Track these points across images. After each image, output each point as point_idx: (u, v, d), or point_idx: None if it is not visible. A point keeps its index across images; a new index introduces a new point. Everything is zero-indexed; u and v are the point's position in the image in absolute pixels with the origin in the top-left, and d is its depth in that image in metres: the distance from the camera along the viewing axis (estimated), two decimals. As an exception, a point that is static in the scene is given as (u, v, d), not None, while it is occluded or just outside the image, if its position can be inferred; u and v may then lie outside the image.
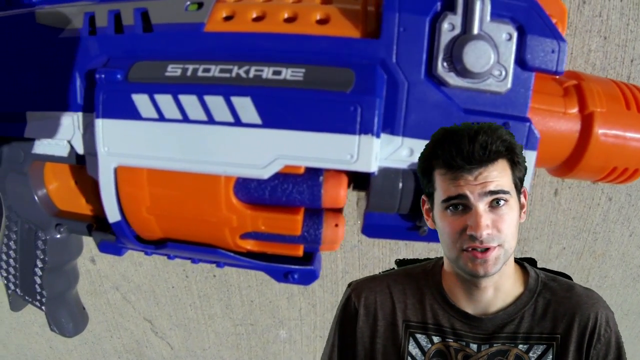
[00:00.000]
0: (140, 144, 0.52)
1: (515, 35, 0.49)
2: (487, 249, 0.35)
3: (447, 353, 0.38)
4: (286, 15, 0.52)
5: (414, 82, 0.49)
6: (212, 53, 0.51)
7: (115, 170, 0.54)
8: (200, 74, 0.50)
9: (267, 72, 0.49)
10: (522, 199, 0.38)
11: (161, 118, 0.51)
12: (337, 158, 0.48)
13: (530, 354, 0.36)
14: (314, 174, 0.52)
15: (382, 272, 0.45)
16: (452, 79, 0.48)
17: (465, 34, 0.48)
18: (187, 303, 0.81)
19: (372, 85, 0.48)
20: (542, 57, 0.50)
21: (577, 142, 0.53)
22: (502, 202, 0.35)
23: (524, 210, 0.37)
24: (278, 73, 0.49)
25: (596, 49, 0.61)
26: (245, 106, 0.49)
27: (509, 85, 0.49)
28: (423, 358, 0.38)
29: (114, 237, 0.65)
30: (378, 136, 0.48)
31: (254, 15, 0.53)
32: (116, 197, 0.55)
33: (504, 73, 0.50)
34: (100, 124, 0.54)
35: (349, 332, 0.40)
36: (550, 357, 0.36)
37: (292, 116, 0.48)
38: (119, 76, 0.53)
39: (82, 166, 0.65)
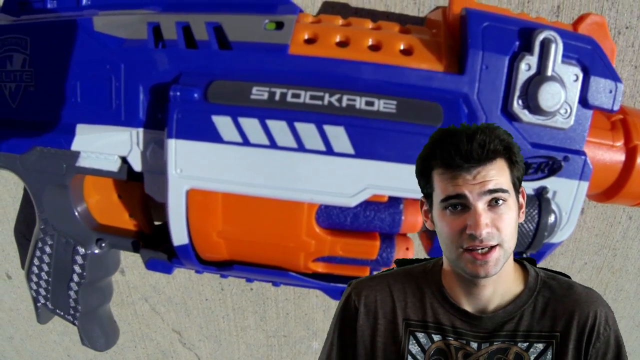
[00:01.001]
0: (218, 167, 0.48)
1: (581, 76, 0.49)
2: (487, 251, 0.33)
3: (447, 351, 0.36)
4: (370, 43, 0.49)
5: (491, 117, 0.48)
6: (298, 77, 0.47)
7: (187, 193, 0.48)
8: (289, 99, 0.46)
9: (360, 102, 0.46)
10: (521, 199, 0.36)
11: (245, 142, 0.47)
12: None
13: (530, 352, 0.35)
14: (395, 201, 0.50)
15: (382, 271, 0.44)
16: (525, 116, 0.49)
17: (540, 75, 0.49)
18: (219, 315, 0.76)
19: (459, 120, 0.46)
20: (601, 97, 0.51)
21: (621, 172, 0.55)
22: (500, 202, 0.33)
23: (522, 211, 0.36)
24: (371, 104, 0.46)
25: (627, 78, 0.63)
26: (338, 135, 0.46)
27: (572, 122, 0.50)
28: (423, 356, 0.36)
29: (165, 256, 0.59)
30: None
31: (338, 40, 0.49)
32: (185, 220, 0.49)
33: (569, 111, 0.50)
34: (174, 145, 0.48)
35: (348, 331, 0.38)
36: (550, 355, 0.35)
37: (384, 147, 0.47)
38: (196, 95, 0.47)
39: (129, 181, 0.58)
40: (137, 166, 0.54)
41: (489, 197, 0.33)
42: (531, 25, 0.48)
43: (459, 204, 0.33)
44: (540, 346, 0.35)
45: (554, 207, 0.50)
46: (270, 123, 0.46)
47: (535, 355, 0.35)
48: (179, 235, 0.51)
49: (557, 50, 0.48)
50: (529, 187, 0.50)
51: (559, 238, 0.51)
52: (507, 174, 0.34)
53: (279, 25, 0.49)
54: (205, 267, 0.55)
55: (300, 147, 0.46)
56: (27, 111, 0.58)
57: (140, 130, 0.52)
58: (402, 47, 0.49)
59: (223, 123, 0.47)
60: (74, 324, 0.69)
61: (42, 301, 0.70)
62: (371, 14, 0.60)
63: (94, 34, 0.52)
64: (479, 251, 0.33)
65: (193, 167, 0.48)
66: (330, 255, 0.50)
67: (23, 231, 0.86)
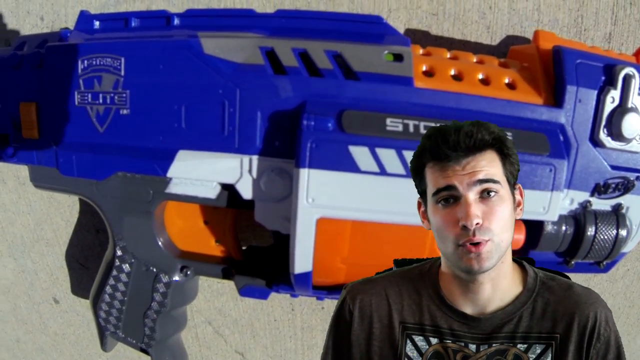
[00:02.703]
0: (353, 196, 0.45)
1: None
2: (479, 243, 0.30)
3: (444, 354, 0.33)
4: (480, 77, 0.47)
5: (581, 145, 0.49)
6: (424, 110, 0.46)
7: (317, 222, 0.43)
8: (422, 131, 0.43)
9: None
10: (517, 195, 0.33)
11: (382, 172, 0.44)
12: (533, 210, 0.49)
13: (529, 354, 0.32)
14: (504, 222, 0.48)
15: (379, 273, 0.41)
16: (608, 142, 0.52)
17: (622, 106, 0.51)
18: (287, 335, 0.70)
19: (561, 148, 0.47)
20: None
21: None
22: (492, 193, 0.30)
23: (520, 208, 0.33)
24: None
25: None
26: None
27: (645, 146, 0.52)
28: (420, 359, 0.33)
29: (264, 282, 0.52)
30: (562, 191, 0.46)
31: (453, 73, 0.47)
32: (312, 248, 0.43)
33: (642, 137, 0.52)
34: (306, 174, 0.43)
35: (344, 335, 0.35)
36: (550, 356, 0.32)
37: None
38: (330, 125, 0.42)
39: (217, 207, 0.51)
40: (246, 194, 0.48)
41: (479, 188, 0.30)
42: (611, 61, 0.51)
43: (450, 197, 0.30)
44: (539, 348, 0.32)
45: (627, 221, 0.51)
46: (407, 154, 0.44)
47: (534, 356, 0.32)
48: (302, 263, 0.46)
49: (636, 84, 0.50)
50: (607, 204, 0.51)
51: (629, 248, 0.53)
52: (499, 166, 0.31)
53: (398, 57, 0.46)
54: (317, 292, 0.49)
55: (431, 176, 0.43)
56: (116, 135, 0.50)
57: (255, 157, 0.47)
58: (507, 81, 0.49)
59: (360, 153, 0.44)
60: (147, 352, 0.60)
61: (112, 329, 0.61)
62: (449, 42, 0.60)
63: (205, 56, 0.46)
64: (473, 245, 0.30)
65: (326, 197, 0.44)
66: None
67: (76, 255, 0.74)
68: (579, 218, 0.51)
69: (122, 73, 0.49)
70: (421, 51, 0.51)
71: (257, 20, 0.50)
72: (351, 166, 0.43)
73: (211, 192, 0.51)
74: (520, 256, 0.39)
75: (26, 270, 0.81)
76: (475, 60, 0.52)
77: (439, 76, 0.48)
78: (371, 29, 0.50)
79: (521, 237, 0.51)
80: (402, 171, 0.44)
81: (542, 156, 0.47)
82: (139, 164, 0.51)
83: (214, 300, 0.73)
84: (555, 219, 0.49)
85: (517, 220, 0.50)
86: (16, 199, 0.77)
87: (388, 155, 0.43)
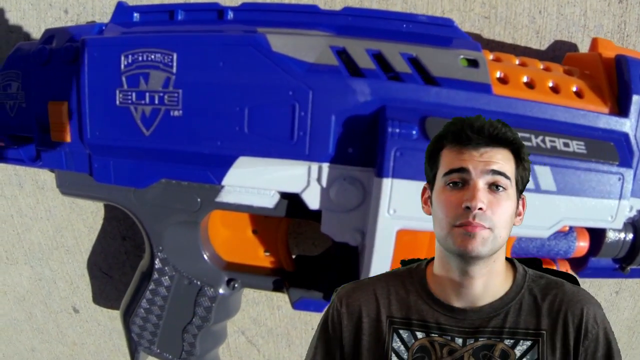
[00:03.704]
0: None
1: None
2: (477, 226, 0.28)
3: (431, 348, 0.31)
4: (550, 84, 0.43)
5: None
6: (502, 117, 0.39)
7: (396, 234, 0.37)
8: None
9: (559, 143, 0.41)
10: (520, 206, 0.31)
11: None
12: (602, 218, 0.44)
13: (516, 349, 0.30)
14: (571, 230, 0.44)
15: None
16: None
17: None
18: None
19: (628, 158, 0.43)
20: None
21: None
22: (501, 189, 0.29)
23: (520, 217, 0.31)
24: (567, 145, 0.42)
25: None
26: (545, 174, 0.40)
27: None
28: (407, 354, 0.31)
29: (321, 294, 0.46)
30: (628, 199, 0.43)
31: (525, 81, 0.42)
32: (391, 260, 0.38)
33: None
34: (389, 184, 0.37)
35: (332, 335, 0.33)
36: (537, 352, 0.30)
37: (578, 184, 0.42)
38: (414, 132, 0.36)
39: (268, 216, 0.44)
40: (313, 204, 0.41)
41: (490, 178, 0.28)
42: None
43: (460, 180, 0.29)
44: (526, 343, 0.30)
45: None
46: None
47: (521, 352, 0.30)
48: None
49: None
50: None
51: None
52: (512, 167, 0.30)
53: (473, 63, 0.41)
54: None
55: (513, 186, 0.39)
56: (165, 139, 0.42)
57: (325, 165, 0.40)
58: (574, 89, 0.44)
59: None
60: (184, 368, 0.52)
61: (146, 344, 0.52)
62: (500, 46, 0.54)
63: (273, 54, 0.38)
64: (470, 226, 0.28)
65: (408, 208, 0.38)
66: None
67: (99, 264, 0.64)
68: (637, 225, 0.47)
69: (174, 70, 0.40)
70: (491, 57, 0.44)
71: (322, 18, 0.42)
72: (435, 176, 0.39)
73: (269, 201, 0.43)
74: (529, 258, 0.36)
75: (43, 279, 0.70)
76: (542, 67, 0.47)
77: (512, 83, 0.42)
78: (441, 32, 0.43)
79: (585, 244, 0.47)
80: None
81: (612, 165, 0.42)
82: (189, 170, 0.42)
83: (249, 309, 0.64)
84: (620, 227, 0.44)
85: (581, 229, 0.48)
86: (34, 204, 0.66)
87: (472, 165, 0.39)
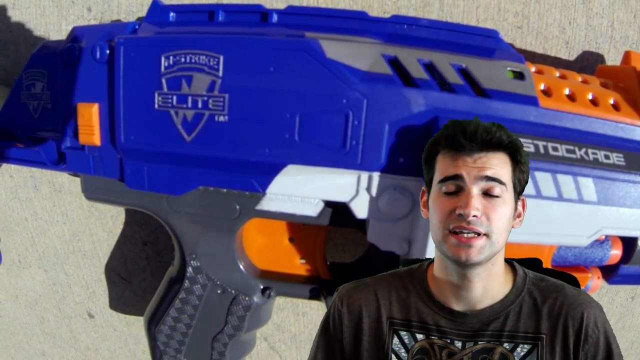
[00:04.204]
0: None
1: None
2: (473, 236, 0.27)
3: (430, 350, 0.30)
4: (590, 97, 0.42)
5: None
6: (547, 130, 0.39)
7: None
8: (551, 152, 0.38)
9: (600, 156, 0.40)
10: (520, 206, 0.30)
11: None
12: (638, 227, 0.43)
13: (515, 353, 0.29)
14: (606, 239, 0.44)
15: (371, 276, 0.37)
16: None
17: None
18: None
19: (660, 169, 0.43)
20: None
21: None
22: (496, 192, 0.28)
23: (520, 219, 0.30)
24: (608, 157, 0.41)
25: None
26: (587, 185, 0.40)
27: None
28: (406, 355, 0.30)
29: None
30: None
31: (566, 93, 0.41)
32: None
33: None
34: None
35: (333, 334, 0.32)
36: (536, 356, 0.29)
37: (617, 195, 0.42)
38: (467, 144, 0.35)
39: (305, 224, 0.43)
40: (361, 213, 0.39)
41: (485, 184, 0.28)
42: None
43: (455, 187, 0.28)
44: (526, 347, 0.29)
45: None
46: (538, 175, 0.37)
47: (520, 356, 0.29)
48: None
49: None
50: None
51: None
52: (509, 170, 0.28)
53: (519, 75, 0.39)
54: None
55: (559, 197, 0.38)
56: (208, 146, 0.39)
57: (376, 174, 0.38)
58: (611, 102, 0.43)
59: None
60: (214, 376, 0.50)
61: (172, 353, 0.49)
62: (531, 55, 0.53)
63: (328, 61, 0.36)
64: (465, 235, 0.27)
65: None
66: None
67: (117, 269, 0.60)
68: (663, 234, 0.49)
69: (220, 73, 0.36)
70: (533, 68, 0.43)
71: (370, 24, 0.40)
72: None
73: (312, 209, 0.40)
74: (527, 258, 0.35)
75: (58, 283, 0.65)
76: (580, 79, 0.46)
77: (556, 96, 0.40)
78: (484, 43, 0.41)
79: (618, 252, 0.45)
80: (532, 192, 0.37)
81: (646, 177, 0.44)
82: (231, 178, 0.39)
83: (274, 315, 0.61)
84: (656, 235, 0.47)
85: (615, 237, 0.48)
86: (50, 207, 0.61)
87: (524, 177, 0.38)
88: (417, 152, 0.38)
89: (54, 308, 0.65)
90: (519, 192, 0.29)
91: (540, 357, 0.29)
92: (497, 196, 0.27)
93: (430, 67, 0.38)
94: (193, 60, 0.37)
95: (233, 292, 0.45)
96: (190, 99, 0.38)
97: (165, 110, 0.39)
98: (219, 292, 0.46)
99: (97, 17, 0.53)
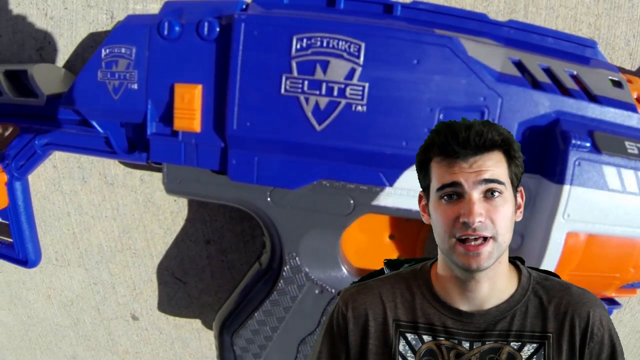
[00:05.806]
0: (596, 212, 0.38)
1: None
2: (480, 243, 0.27)
3: (438, 352, 0.29)
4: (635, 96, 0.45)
5: None
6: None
7: (566, 236, 0.37)
8: None
9: None
10: (519, 198, 0.29)
11: (623, 190, 0.38)
12: None
13: (523, 352, 0.28)
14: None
15: (370, 276, 0.36)
16: None
17: None
18: None
19: None
20: None
21: None
22: (496, 194, 0.27)
23: (520, 210, 0.29)
24: None
25: None
26: None
27: None
28: (414, 357, 0.29)
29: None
30: None
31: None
32: (557, 261, 0.37)
33: None
34: (567, 191, 0.36)
35: (337, 339, 0.31)
36: (543, 355, 0.28)
37: None
38: (588, 144, 0.36)
39: (408, 220, 0.41)
40: (479, 207, 0.38)
41: (484, 187, 0.27)
42: None
43: (454, 193, 0.27)
44: (533, 346, 0.28)
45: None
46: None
47: (527, 355, 0.28)
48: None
49: None
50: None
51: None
52: (505, 167, 0.27)
53: (617, 84, 0.41)
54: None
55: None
56: (340, 136, 0.35)
57: (499, 170, 0.37)
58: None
59: (610, 173, 0.37)
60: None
61: (250, 358, 0.44)
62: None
63: (470, 59, 0.34)
64: (472, 242, 0.27)
65: (579, 212, 0.36)
66: (633, 282, 0.45)
67: (172, 268, 0.53)
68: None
69: (361, 61, 0.33)
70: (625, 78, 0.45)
71: (489, 27, 0.38)
72: (603, 184, 0.37)
73: None
74: (512, 256, 0.34)
75: (99, 283, 0.54)
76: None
77: None
78: (584, 52, 0.42)
79: None
80: (635, 190, 0.38)
81: None
82: (357, 171, 0.36)
83: None
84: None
85: None
86: (99, 201, 0.51)
87: (628, 175, 0.38)
88: (535, 150, 0.38)
89: (92, 309, 0.55)
90: (516, 185, 0.28)
91: (548, 356, 0.28)
92: (499, 193, 0.26)
93: (548, 72, 0.38)
94: (331, 45, 0.33)
95: (333, 291, 0.41)
96: (324, 85, 0.34)
97: (293, 96, 0.34)
98: (317, 292, 0.41)
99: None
